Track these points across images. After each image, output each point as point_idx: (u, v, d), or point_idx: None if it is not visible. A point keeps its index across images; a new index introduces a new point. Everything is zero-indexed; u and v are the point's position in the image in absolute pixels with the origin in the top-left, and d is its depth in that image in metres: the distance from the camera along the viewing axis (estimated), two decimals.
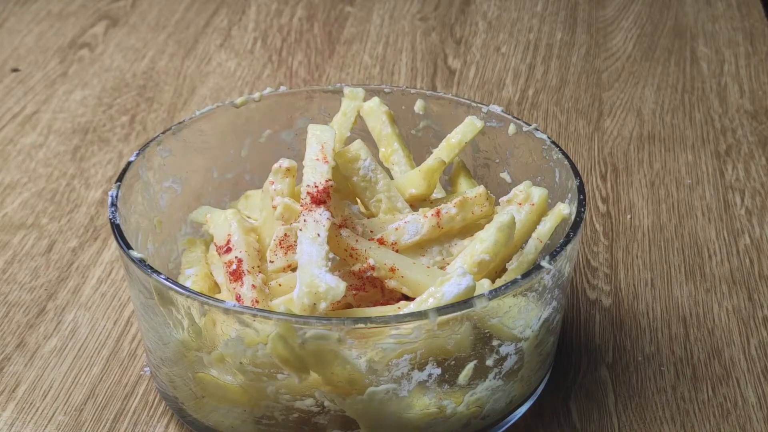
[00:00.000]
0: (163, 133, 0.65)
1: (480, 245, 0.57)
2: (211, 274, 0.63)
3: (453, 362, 0.53)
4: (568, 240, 0.55)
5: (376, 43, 1.07)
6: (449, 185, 0.69)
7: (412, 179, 0.63)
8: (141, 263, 0.54)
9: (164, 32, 1.09)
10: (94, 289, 0.72)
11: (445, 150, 0.64)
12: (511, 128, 0.67)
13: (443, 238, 0.60)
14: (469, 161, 0.70)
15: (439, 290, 0.53)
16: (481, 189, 0.61)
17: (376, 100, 0.68)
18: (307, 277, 0.53)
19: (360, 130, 0.69)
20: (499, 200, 0.63)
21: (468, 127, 0.64)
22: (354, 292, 0.58)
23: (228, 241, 0.60)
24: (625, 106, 0.95)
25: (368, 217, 0.61)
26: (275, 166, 0.60)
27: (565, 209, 0.61)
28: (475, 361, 0.54)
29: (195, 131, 0.67)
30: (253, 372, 0.52)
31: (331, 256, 0.55)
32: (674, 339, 0.67)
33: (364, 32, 1.09)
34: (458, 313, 0.51)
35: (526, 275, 0.53)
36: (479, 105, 0.68)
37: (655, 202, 0.81)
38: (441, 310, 0.51)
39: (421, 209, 0.60)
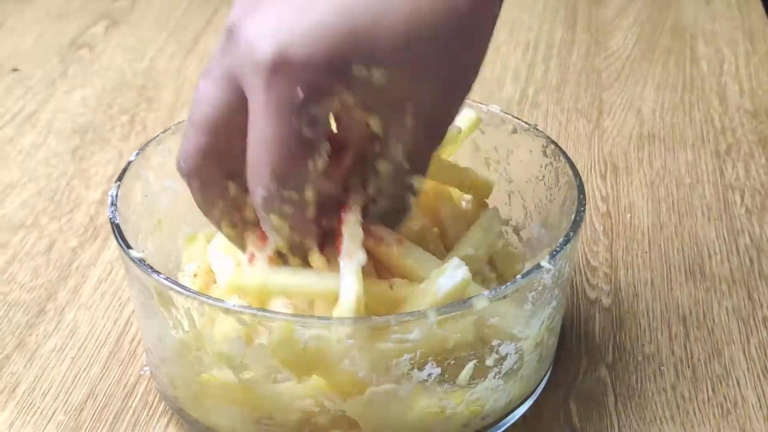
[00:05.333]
0: (163, 132, 0.65)
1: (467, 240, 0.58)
2: (211, 269, 0.63)
3: (453, 362, 0.53)
4: (567, 239, 0.55)
5: None
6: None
7: None
8: (141, 263, 0.54)
9: (164, 32, 1.09)
10: (94, 289, 0.72)
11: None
12: (511, 128, 0.67)
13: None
14: (469, 161, 0.70)
15: (434, 283, 0.53)
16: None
17: None
18: None
19: None
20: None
21: (463, 120, 0.64)
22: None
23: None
24: (625, 106, 0.95)
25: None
26: None
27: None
28: (474, 361, 0.54)
29: None
30: (253, 372, 0.52)
31: None
32: (674, 338, 0.67)
33: None
34: (458, 312, 0.51)
35: (525, 275, 0.53)
36: (479, 105, 0.68)
37: (655, 201, 0.81)
38: (441, 310, 0.50)
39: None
